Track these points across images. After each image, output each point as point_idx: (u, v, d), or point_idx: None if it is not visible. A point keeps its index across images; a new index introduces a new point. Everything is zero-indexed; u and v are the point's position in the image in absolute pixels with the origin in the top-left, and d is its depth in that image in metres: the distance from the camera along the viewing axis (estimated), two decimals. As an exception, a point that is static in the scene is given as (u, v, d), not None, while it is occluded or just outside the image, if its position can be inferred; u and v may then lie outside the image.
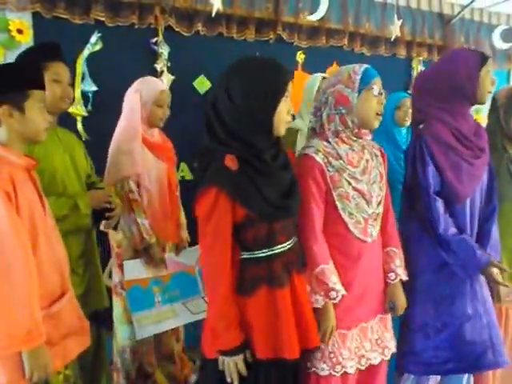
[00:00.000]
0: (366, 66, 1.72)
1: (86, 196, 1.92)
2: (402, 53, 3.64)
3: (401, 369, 2.00)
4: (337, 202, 1.65)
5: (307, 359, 1.67)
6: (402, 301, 1.80)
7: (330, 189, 1.65)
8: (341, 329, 1.67)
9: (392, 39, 3.32)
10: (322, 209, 1.66)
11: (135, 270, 2.18)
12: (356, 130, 1.70)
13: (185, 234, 2.42)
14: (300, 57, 3.25)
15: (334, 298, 1.61)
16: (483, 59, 1.89)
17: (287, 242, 1.53)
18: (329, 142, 1.69)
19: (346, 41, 3.30)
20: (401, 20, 3.43)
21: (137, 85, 2.23)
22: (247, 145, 1.44)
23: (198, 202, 1.42)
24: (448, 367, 1.91)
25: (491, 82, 1.92)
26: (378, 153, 1.81)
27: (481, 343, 1.89)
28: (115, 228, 2.19)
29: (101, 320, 2.08)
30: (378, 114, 1.69)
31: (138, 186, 2.20)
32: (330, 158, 1.66)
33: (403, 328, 1.98)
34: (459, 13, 3.72)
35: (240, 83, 1.42)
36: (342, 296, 1.63)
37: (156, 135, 2.31)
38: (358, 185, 1.68)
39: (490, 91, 1.93)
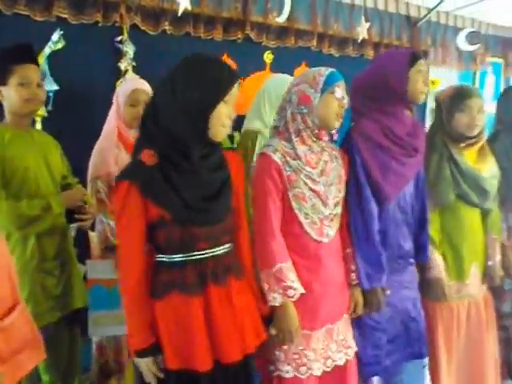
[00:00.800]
0: (332, 69, 1.73)
1: (59, 196, 1.89)
2: (370, 54, 3.67)
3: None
4: (292, 202, 1.66)
5: (269, 362, 1.66)
6: (360, 302, 1.81)
7: (287, 188, 1.65)
8: (304, 329, 1.66)
9: (359, 40, 3.34)
10: (280, 207, 1.66)
11: (101, 270, 2.13)
12: (316, 131, 1.71)
13: None
14: (268, 57, 3.23)
15: (292, 297, 1.60)
16: (413, 59, 1.90)
17: (210, 250, 1.44)
18: (288, 142, 1.70)
19: (314, 41, 3.31)
20: (368, 22, 3.46)
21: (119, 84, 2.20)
22: (174, 141, 1.38)
23: (113, 195, 1.40)
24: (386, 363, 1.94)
25: (423, 82, 1.92)
26: (339, 155, 1.82)
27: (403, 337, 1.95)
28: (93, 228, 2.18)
29: (78, 322, 2.03)
30: (338, 115, 1.70)
31: (111, 186, 2.16)
32: (288, 158, 1.66)
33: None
34: (425, 15, 3.79)
35: (182, 79, 1.38)
36: (301, 295, 1.62)
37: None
38: (315, 186, 1.69)
39: (422, 91, 1.93)
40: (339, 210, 1.77)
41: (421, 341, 2.05)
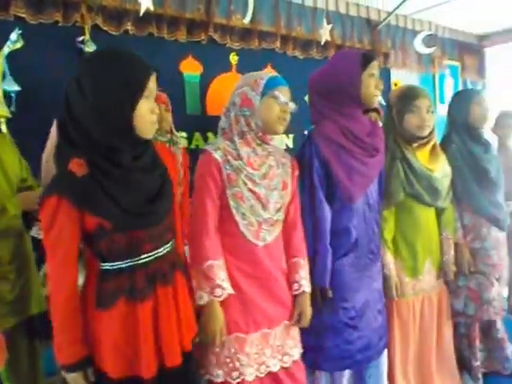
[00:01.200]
0: (275, 74, 1.75)
1: (15, 197, 1.84)
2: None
3: (313, 367, 1.98)
4: (230, 201, 1.64)
5: (200, 366, 1.63)
6: (306, 313, 1.78)
7: (226, 186, 1.64)
8: (238, 332, 1.63)
9: (322, 43, 3.38)
10: (218, 205, 1.65)
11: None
12: (260, 134, 1.71)
13: None
14: (233, 58, 3.24)
15: (219, 296, 1.57)
16: (365, 62, 1.91)
17: (156, 251, 1.40)
18: (232, 142, 1.69)
19: (278, 43, 3.33)
20: (330, 24, 3.50)
21: None
22: (98, 146, 1.29)
23: (40, 210, 1.29)
24: (356, 359, 1.97)
25: (376, 85, 1.93)
26: (288, 163, 1.82)
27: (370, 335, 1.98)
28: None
29: (36, 329, 1.96)
30: (281, 119, 1.69)
31: None
32: (229, 157, 1.66)
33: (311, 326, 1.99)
34: (385, 19, 3.87)
35: (92, 77, 1.28)
36: (234, 296, 1.60)
37: None
38: (255, 187, 1.67)
39: (375, 94, 1.94)
40: (281, 216, 1.75)
41: (386, 334, 2.10)
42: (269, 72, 1.78)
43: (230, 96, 1.77)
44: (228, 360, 1.61)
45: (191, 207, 1.66)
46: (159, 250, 1.41)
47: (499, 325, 2.66)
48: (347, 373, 2.02)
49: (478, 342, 2.59)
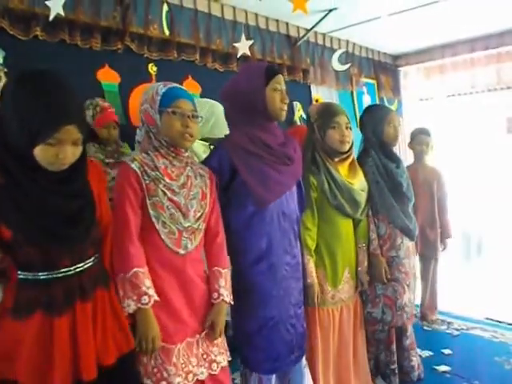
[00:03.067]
0: (170, 85, 1.70)
1: None
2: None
3: (247, 368, 2.02)
4: (150, 210, 1.64)
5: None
6: (219, 323, 1.77)
7: (145, 196, 1.63)
8: (164, 343, 1.63)
9: (238, 56, 3.40)
10: (139, 214, 1.64)
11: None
12: (172, 148, 1.71)
13: None
14: (152, 69, 3.22)
15: (146, 304, 1.56)
16: (268, 77, 1.94)
17: (75, 266, 1.39)
18: (148, 155, 1.69)
19: (197, 56, 3.33)
20: (251, 41, 3.47)
21: None
22: (17, 161, 1.28)
23: None
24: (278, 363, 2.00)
25: (281, 99, 1.96)
26: (206, 175, 1.84)
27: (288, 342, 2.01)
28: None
29: None
30: (184, 134, 1.68)
31: None
32: (146, 168, 1.65)
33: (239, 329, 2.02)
34: (304, 36, 3.99)
35: (7, 101, 1.26)
36: (159, 306, 1.60)
37: None
38: (175, 197, 1.68)
39: (281, 109, 1.97)
40: (201, 225, 1.76)
41: (304, 341, 2.13)
42: (170, 83, 1.72)
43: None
44: (155, 370, 1.61)
45: (113, 218, 1.62)
46: (79, 266, 1.39)
47: (410, 331, 2.78)
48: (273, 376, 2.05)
49: (394, 347, 2.70)
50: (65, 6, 2.58)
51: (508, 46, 4.44)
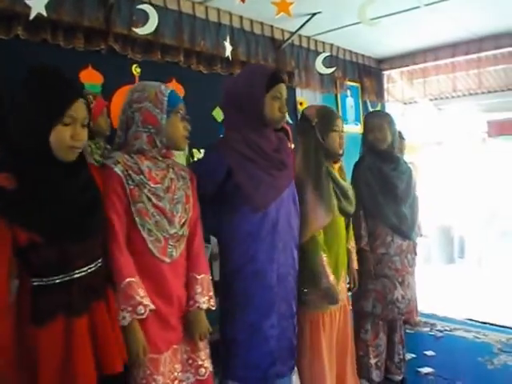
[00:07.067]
0: (170, 88, 1.72)
1: None
2: (238, 72, 3.75)
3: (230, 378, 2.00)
4: (135, 217, 1.60)
5: None
6: (195, 331, 1.74)
7: (130, 202, 1.59)
8: (152, 353, 1.59)
9: (225, 56, 3.37)
10: (124, 221, 1.60)
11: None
12: (164, 151, 1.69)
13: None
14: (136, 70, 3.18)
15: (142, 314, 1.53)
16: (270, 84, 1.93)
17: (88, 266, 1.43)
18: (131, 157, 1.65)
19: (181, 57, 3.30)
20: (233, 43, 3.41)
21: None
22: (29, 161, 1.33)
23: None
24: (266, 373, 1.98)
25: (279, 107, 1.96)
26: (187, 176, 1.81)
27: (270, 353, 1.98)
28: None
29: None
30: (184, 136, 1.72)
31: None
32: (131, 172, 1.61)
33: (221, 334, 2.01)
34: (288, 38, 3.98)
35: (19, 98, 1.34)
36: (151, 311, 1.57)
37: None
38: (160, 202, 1.64)
39: (280, 117, 1.98)
40: (186, 231, 1.74)
41: (292, 357, 2.11)
42: (167, 85, 1.73)
43: (122, 109, 1.71)
44: (144, 381, 1.59)
45: None
46: (90, 266, 1.44)
47: (401, 328, 2.90)
48: None
49: (378, 341, 2.77)
50: (47, 6, 2.54)
51: (488, 51, 4.50)
